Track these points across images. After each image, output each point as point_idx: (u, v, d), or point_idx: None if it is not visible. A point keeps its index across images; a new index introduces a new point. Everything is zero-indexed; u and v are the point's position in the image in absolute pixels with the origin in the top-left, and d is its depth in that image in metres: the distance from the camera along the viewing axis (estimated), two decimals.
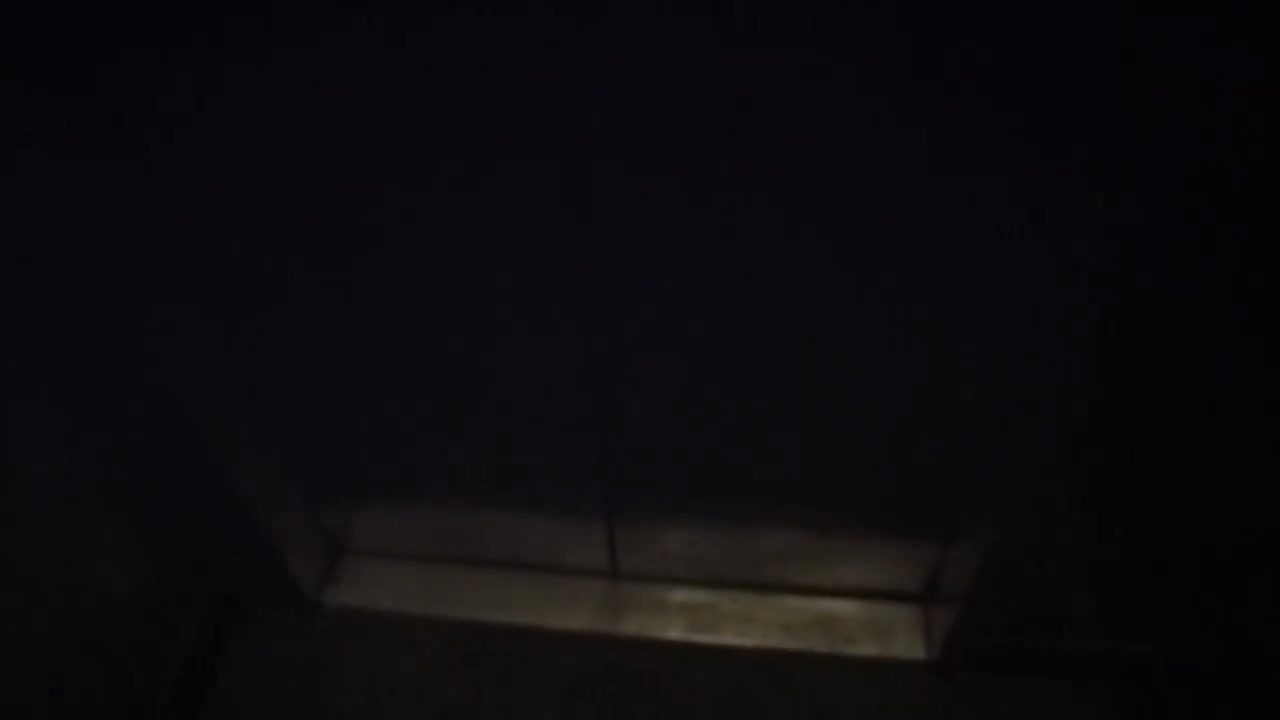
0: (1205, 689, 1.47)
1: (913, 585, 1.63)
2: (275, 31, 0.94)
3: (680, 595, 1.69)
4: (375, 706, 1.63)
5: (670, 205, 1.06)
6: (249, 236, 1.18)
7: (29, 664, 1.26)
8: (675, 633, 1.66)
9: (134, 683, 1.49)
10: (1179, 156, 0.88)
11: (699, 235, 1.09)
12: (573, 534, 1.63)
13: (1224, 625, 1.41)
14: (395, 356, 1.33)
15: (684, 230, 1.08)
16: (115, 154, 1.07)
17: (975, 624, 1.50)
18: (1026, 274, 1.06)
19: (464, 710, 1.61)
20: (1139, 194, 0.91)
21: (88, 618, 1.37)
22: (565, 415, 1.37)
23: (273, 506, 1.53)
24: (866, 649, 1.63)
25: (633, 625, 1.67)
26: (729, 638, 1.65)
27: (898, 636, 1.64)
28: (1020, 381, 1.19)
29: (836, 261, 1.11)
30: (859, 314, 1.16)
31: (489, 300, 1.22)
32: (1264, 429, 1.13)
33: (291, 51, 0.95)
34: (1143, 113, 0.87)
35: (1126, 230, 0.95)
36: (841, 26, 0.87)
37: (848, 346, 1.20)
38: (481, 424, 1.41)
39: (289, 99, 1.00)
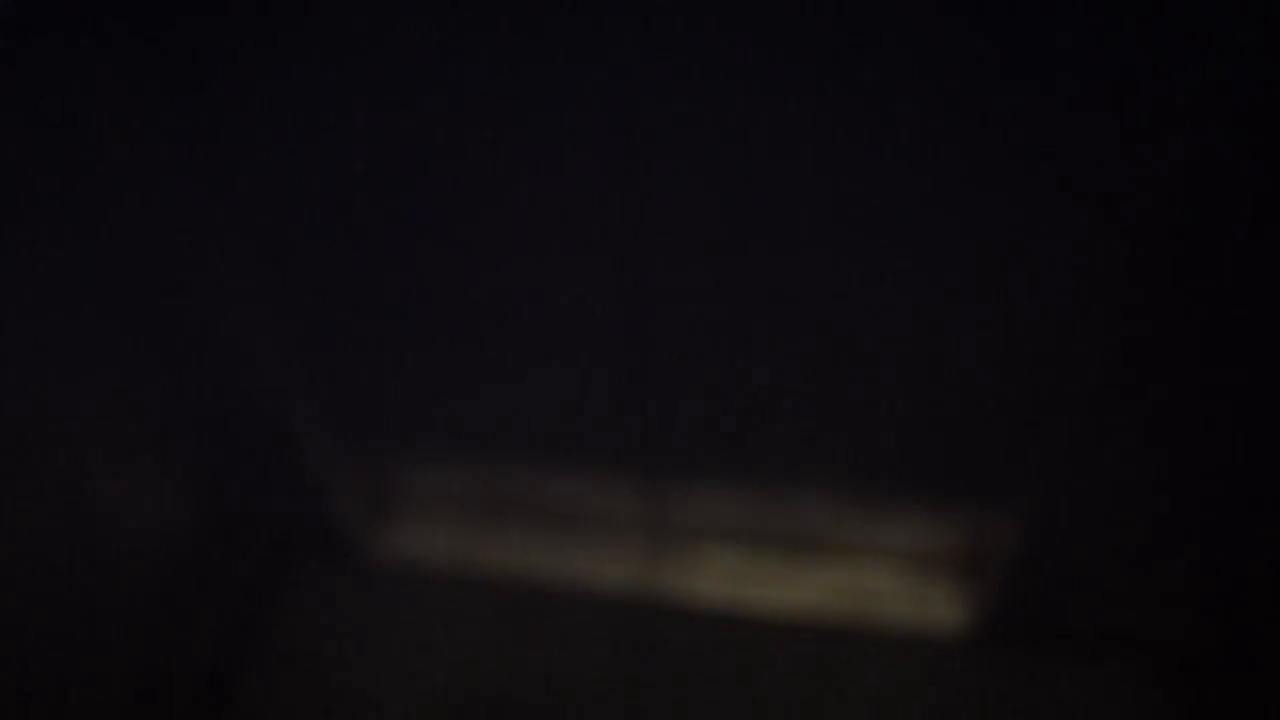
0: (1249, 669, 1.45)
1: (954, 555, 1.62)
2: None
3: (719, 557, 1.70)
4: (417, 658, 1.66)
5: (715, 148, 1.06)
6: (302, 182, 1.20)
7: (92, 599, 1.30)
8: (713, 594, 1.66)
9: (181, 627, 1.53)
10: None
11: (741, 185, 1.09)
12: (614, 494, 1.64)
13: (1272, 605, 1.40)
14: (442, 310, 1.35)
15: (728, 180, 1.09)
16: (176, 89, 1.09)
17: (1015, 596, 1.49)
18: (1075, 227, 1.05)
19: (505, 664, 1.64)
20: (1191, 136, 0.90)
21: (144, 558, 1.41)
22: (609, 374, 1.38)
23: (322, 456, 1.56)
24: (904, 618, 1.63)
25: (671, 586, 1.68)
26: (767, 602, 1.65)
27: (936, 607, 1.63)
28: (1067, 345, 1.18)
29: (881, 225, 1.10)
30: (904, 272, 1.16)
31: (539, 254, 1.23)
32: None
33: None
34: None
35: (1178, 171, 0.93)
36: None
37: (892, 305, 1.20)
38: (528, 379, 1.43)
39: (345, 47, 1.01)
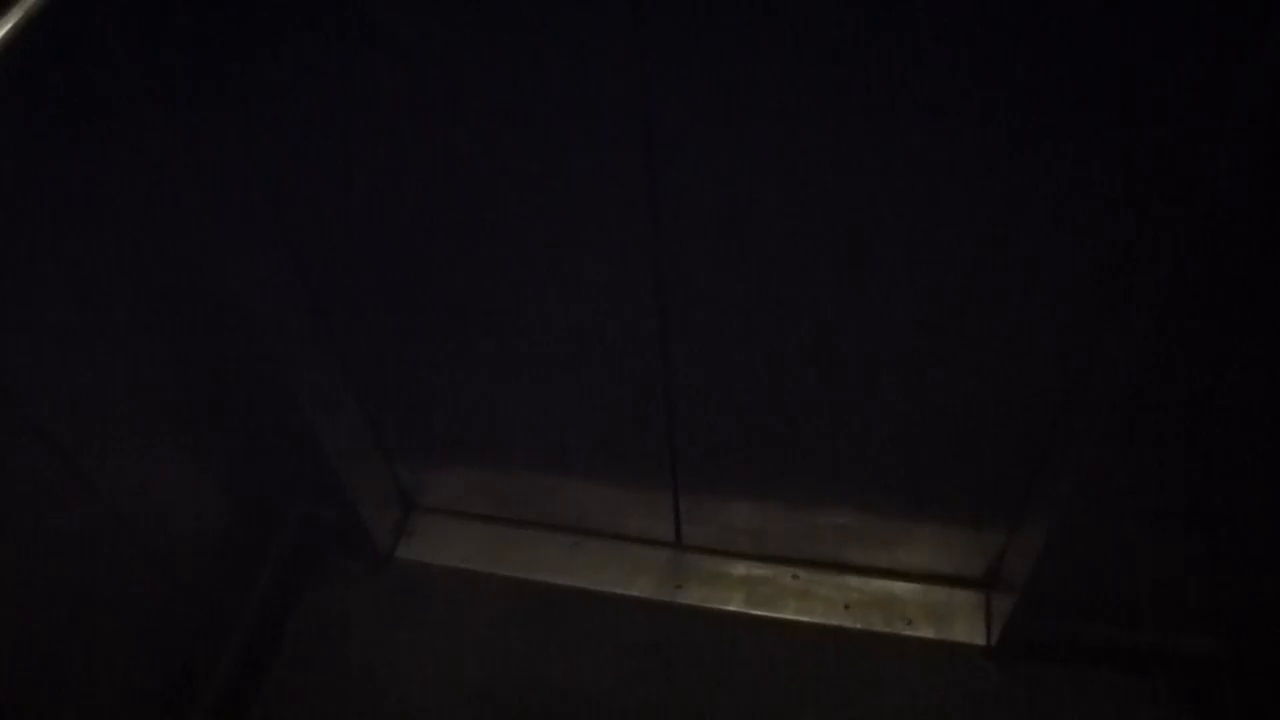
0: (1269, 687, 1.45)
1: (975, 569, 1.63)
2: None
3: (741, 568, 1.71)
4: (440, 660, 1.68)
5: (743, 169, 1.08)
6: (334, 187, 1.23)
7: (118, 595, 1.33)
8: (734, 605, 1.68)
9: (211, 622, 1.56)
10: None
11: (768, 201, 1.11)
12: (638, 502, 1.66)
13: None
14: (472, 316, 1.37)
15: (753, 194, 1.11)
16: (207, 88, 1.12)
17: (1035, 611, 1.50)
18: (1098, 250, 1.06)
19: (526, 668, 1.66)
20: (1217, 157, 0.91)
21: (174, 556, 1.44)
22: (635, 386, 1.40)
23: (350, 459, 1.59)
24: (925, 632, 1.63)
25: (693, 595, 1.70)
26: (788, 613, 1.67)
27: (957, 621, 1.64)
28: (1087, 364, 1.19)
29: (904, 232, 1.12)
30: (926, 291, 1.17)
31: (565, 262, 1.25)
32: None
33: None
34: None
35: (1200, 198, 0.94)
36: None
37: (914, 325, 1.22)
38: (553, 388, 1.45)
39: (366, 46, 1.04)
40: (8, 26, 0.87)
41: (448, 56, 1.04)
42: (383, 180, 1.20)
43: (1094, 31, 0.89)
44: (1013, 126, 0.98)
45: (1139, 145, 0.96)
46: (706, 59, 0.98)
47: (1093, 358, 1.18)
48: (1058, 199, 1.04)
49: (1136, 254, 1.05)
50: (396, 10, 1.00)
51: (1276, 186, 0.90)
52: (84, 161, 1.11)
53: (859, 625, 1.64)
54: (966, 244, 1.11)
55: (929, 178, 1.05)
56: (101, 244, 1.18)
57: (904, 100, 0.98)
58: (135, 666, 1.39)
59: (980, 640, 1.61)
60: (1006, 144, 1.00)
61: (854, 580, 1.68)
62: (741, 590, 1.69)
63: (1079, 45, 0.90)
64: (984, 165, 1.02)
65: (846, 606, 1.66)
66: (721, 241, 1.17)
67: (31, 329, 1.09)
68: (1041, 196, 1.04)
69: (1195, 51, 0.87)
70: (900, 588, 1.67)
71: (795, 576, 1.69)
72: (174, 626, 1.46)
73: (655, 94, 1.02)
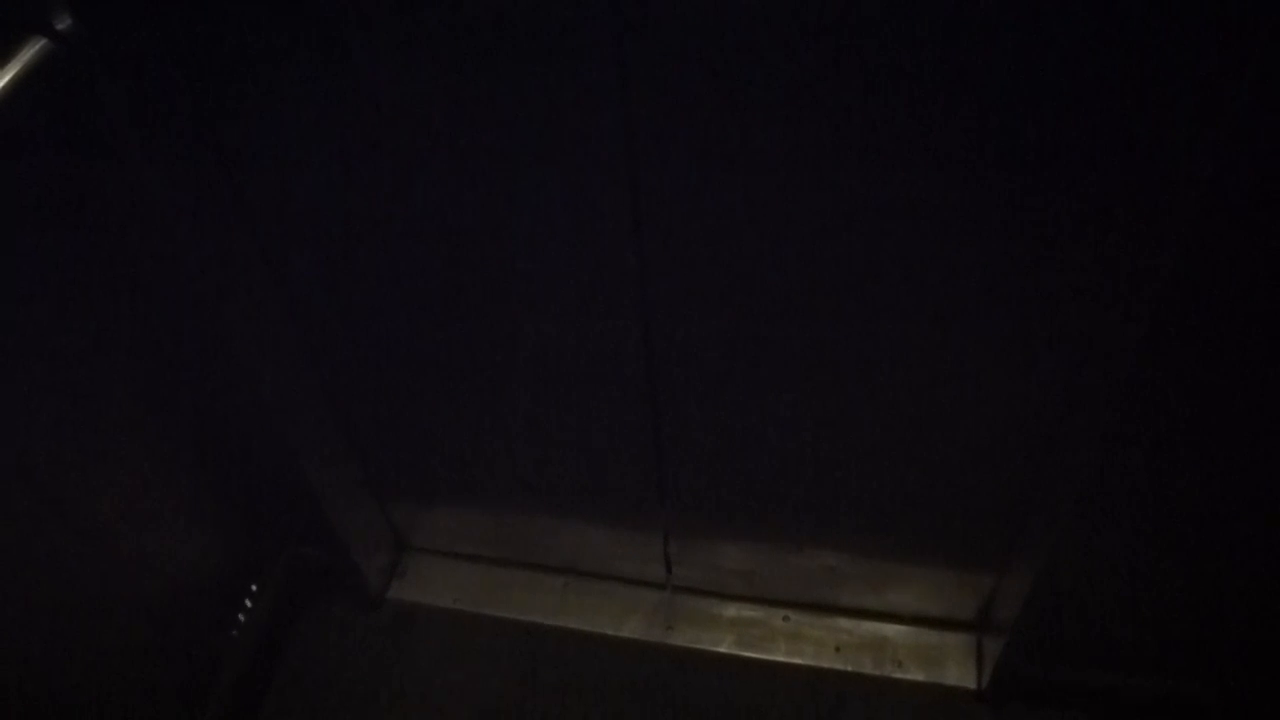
0: None
1: (966, 612, 1.62)
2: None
3: (732, 610, 1.71)
4: (431, 702, 1.68)
5: (732, 214, 1.09)
6: (327, 231, 1.25)
7: (109, 638, 1.33)
8: (725, 646, 1.68)
9: (200, 665, 1.56)
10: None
11: (754, 244, 1.12)
12: (629, 545, 1.67)
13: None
14: (464, 358, 1.38)
15: (739, 240, 1.12)
16: (200, 141, 1.14)
17: (1026, 654, 1.49)
18: (1083, 294, 1.07)
19: (516, 710, 1.66)
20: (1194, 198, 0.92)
21: (164, 598, 1.44)
22: (625, 428, 1.41)
23: (341, 499, 1.60)
24: (916, 675, 1.63)
25: (684, 637, 1.69)
26: (778, 655, 1.66)
27: (948, 664, 1.64)
28: (1075, 403, 1.20)
29: (894, 276, 1.13)
30: (916, 333, 1.18)
31: (553, 307, 1.26)
32: None
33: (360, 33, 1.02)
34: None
35: (1176, 239, 0.95)
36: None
37: (903, 364, 1.23)
38: (544, 431, 1.46)
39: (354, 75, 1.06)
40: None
41: (434, 101, 1.06)
42: (375, 226, 1.21)
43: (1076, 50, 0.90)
44: (1001, 170, 0.99)
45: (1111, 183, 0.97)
46: (692, 100, 1.00)
47: (1076, 399, 1.19)
48: (1036, 253, 1.05)
49: (1117, 294, 1.06)
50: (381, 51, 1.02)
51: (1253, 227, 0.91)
52: (70, 194, 1.11)
53: (850, 668, 1.64)
54: (953, 292, 1.12)
55: (918, 221, 1.06)
56: (91, 286, 1.18)
57: (887, 142, 0.99)
58: (122, 710, 1.38)
59: (971, 683, 1.61)
60: (994, 184, 1.01)
61: (845, 622, 1.68)
62: (732, 632, 1.69)
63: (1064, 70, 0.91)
64: (970, 211, 1.04)
65: (837, 649, 1.66)
66: (709, 288, 1.18)
67: (19, 369, 1.10)
68: (1023, 245, 1.05)
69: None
70: (891, 630, 1.67)
71: (786, 618, 1.69)
72: (162, 668, 1.46)
73: (640, 135, 1.04)
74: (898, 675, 1.63)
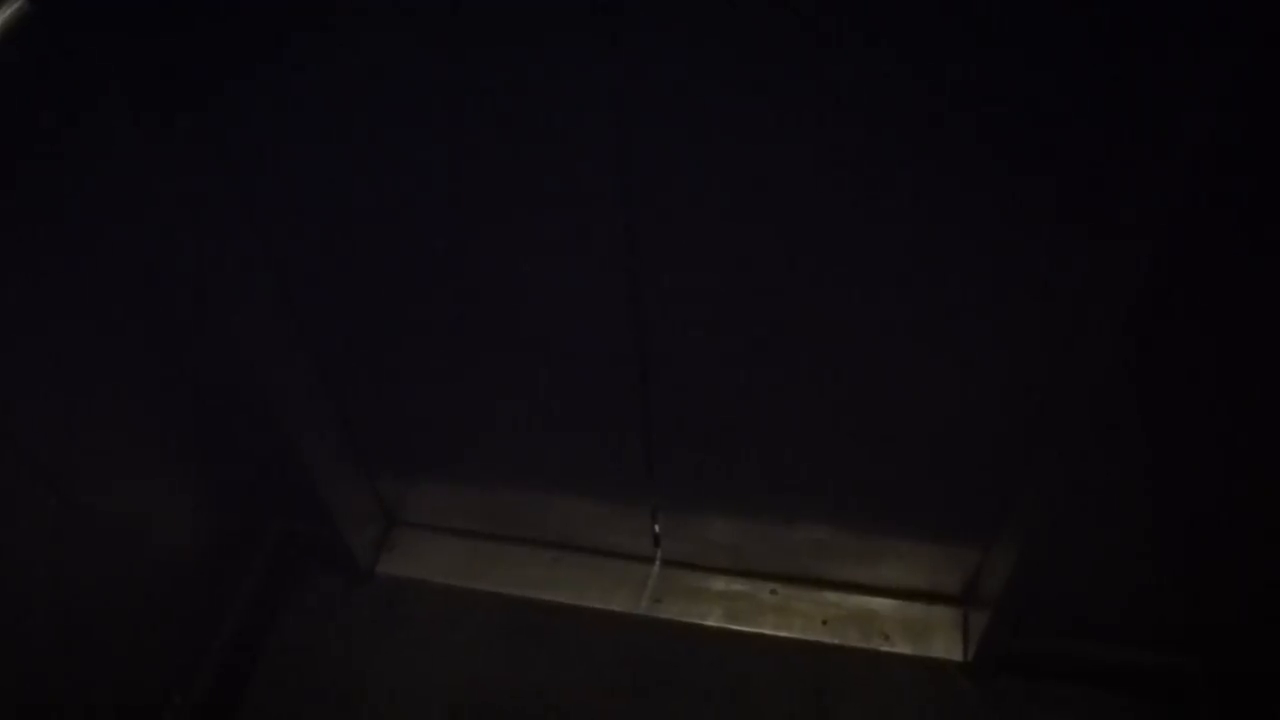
0: (1244, 704, 1.46)
1: (952, 585, 1.63)
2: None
3: (720, 584, 1.72)
4: (419, 675, 1.69)
5: (721, 187, 1.09)
6: (317, 205, 1.24)
7: (99, 611, 1.33)
8: (713, 620, 1.69)
9: (189, 640, 1.56)
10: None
11: (744, 219, 1.12)
12: (618, 519, 1.67)
13: (1265, 639, 1.40)
14: (453, 333, 1.38)
15: (730, 211, 1.12)
16: (187, 106, 1.13)
17: (1012, 627, 1.51)
18: (1070, 265, 1.08)
19: (505, 682, 1.66)
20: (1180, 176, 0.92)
21: (154, 572, 1.44)
22: (614, 404, 1.41)
23: (331, 474, 1.60)
24: (903, 647, 1.64)
25: (672, 610, 1.70)
26: (766, 628, 1.67)
27: (935, 637, 1.65)
28: (1061, 380, 1.20)
29: (879, 250, 1.13)
30: (903, 310, 1.18)
31: (545, 280, 1.26)
32: None
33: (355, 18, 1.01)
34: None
35: (1165, 214, 0.95)
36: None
37: (890, 340, 1.23)
38: (533, 405, 1.46)
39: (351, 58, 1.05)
40: None
41: (430, 85, 1.05)
42: (365, 200, 1.21)
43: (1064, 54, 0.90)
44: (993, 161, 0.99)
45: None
46: (686, 82, 1.00)
47: (1063, 376, 1.20)
48: (1024, 236, 1.06)
49: (1103, 275, 1.07)
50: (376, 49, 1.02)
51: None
52: (66, 180, 1.11)
53: (837, 640, 1.65)
54: (941, 269, 1.12)
55: (907, 201, 1.06)
56: (83, 264, 1.18)
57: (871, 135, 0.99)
58: (113, 682, 1.39)
59: (958, 656, 1.62)
60: (985, 170, 1.01)
61: (832, 596, 1.69)
62: (720, 605, 1.70)
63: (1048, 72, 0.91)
64: (957, 201, 1.04)
65: (824, 622, 1.67)
66: (699, 261, 1.18)
67: (11, 348, 1.10)
68: (1016, 225, 1.06)
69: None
70: (878, 603, 1.68)
71: (773, 592, 1.70)
72: (153, 641, 1.46)
73: (633, 120, 1.04)
74: (884, 648, 1.64)
